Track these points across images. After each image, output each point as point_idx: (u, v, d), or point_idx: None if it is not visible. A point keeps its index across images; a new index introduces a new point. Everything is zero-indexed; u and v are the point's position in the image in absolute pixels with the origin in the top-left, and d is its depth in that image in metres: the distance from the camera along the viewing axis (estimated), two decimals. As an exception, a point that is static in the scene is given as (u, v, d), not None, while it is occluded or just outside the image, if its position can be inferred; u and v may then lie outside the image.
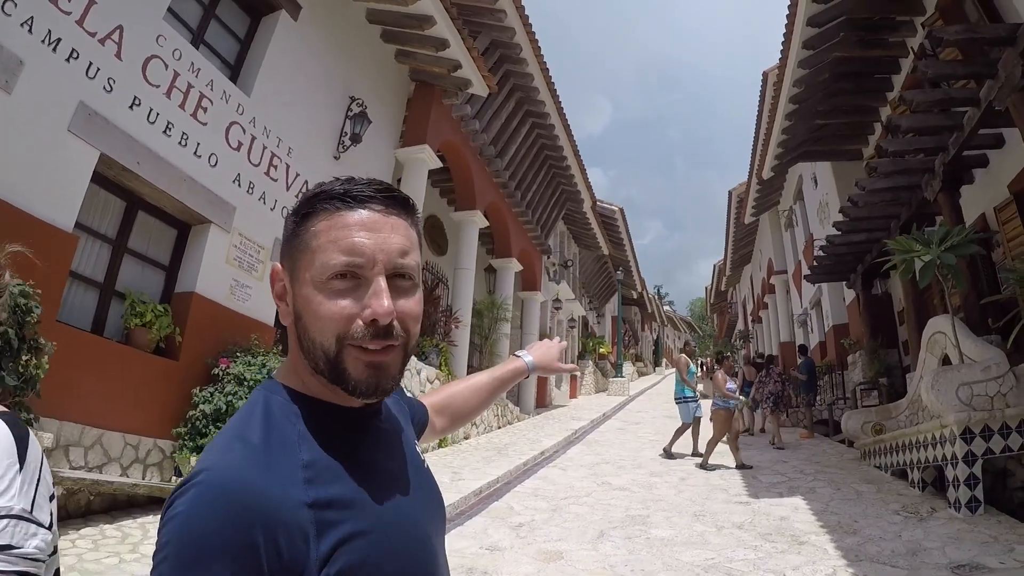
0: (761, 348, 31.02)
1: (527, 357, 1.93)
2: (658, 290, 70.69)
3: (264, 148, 9.54)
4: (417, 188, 12.84)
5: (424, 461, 1.25)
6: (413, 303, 1.06)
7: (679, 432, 12.35)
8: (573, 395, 27.25)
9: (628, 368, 39.45)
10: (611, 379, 29.90)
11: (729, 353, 16.13)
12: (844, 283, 16.20)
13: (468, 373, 14.84)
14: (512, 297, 18.06)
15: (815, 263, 15.35)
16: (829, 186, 17.59)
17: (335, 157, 11.16)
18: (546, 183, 19.84)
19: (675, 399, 12.86)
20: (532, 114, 16.72)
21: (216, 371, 7.95)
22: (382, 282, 1.01)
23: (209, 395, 7.72)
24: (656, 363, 58.58)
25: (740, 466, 10.70)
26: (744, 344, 37.48)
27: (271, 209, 9.65)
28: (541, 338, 21.22)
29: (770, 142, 16.23)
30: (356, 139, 11.19)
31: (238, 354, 8.21)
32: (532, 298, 20.59)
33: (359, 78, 11.75)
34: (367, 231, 1.02)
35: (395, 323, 1.02)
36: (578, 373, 26.21)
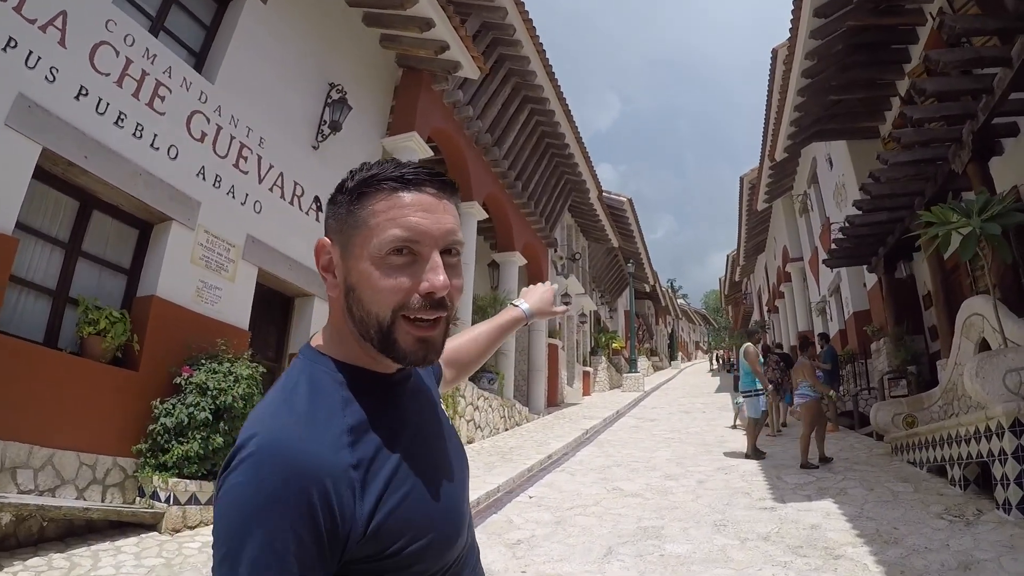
0: (777, 338, 30.17)
1: (523, 305, 1.99)
2: (671, 284, 69.79)
3: (232, 139, 8.90)
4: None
5: (447, 416, 1.36)
6: (459, 279, 1.15)
7: (754, 430, 11.13)
8: (586, 392, 26.53)
9: (643, 363, 38.72)
10: (625, 375, 29.05)
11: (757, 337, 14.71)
12: (865, 267, 15.42)
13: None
14: (517, 292, 17.17)
15: (834, 247, 14.57)
16: (845, 166, 16.76)
17: (314, 147, 10.52)
18: (549, 172, 19.06)
19: (742, 392, 11.86)
20: (530, 100, 15.95)
21: (178, 380, 7.29)
22: (438, 258, 1.09)
23: (171, 407, 7.06)
24: (672, 357, 57.79)
25: (821, 460, 9.97)
26: (761, 334, 36.61)
27: (241, 204, 8.99)
28: (551, 335, 20.77)
29: (782, 121, 15.44)
30: (335, 127, 10.52)
31: (203, 361, 7.54)
32: (539, 293, 19.58)
33: (339, 64, 11.10)
34: (424, 211, 1.10)
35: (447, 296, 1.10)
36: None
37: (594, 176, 20.47)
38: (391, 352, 1.10)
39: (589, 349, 29.78)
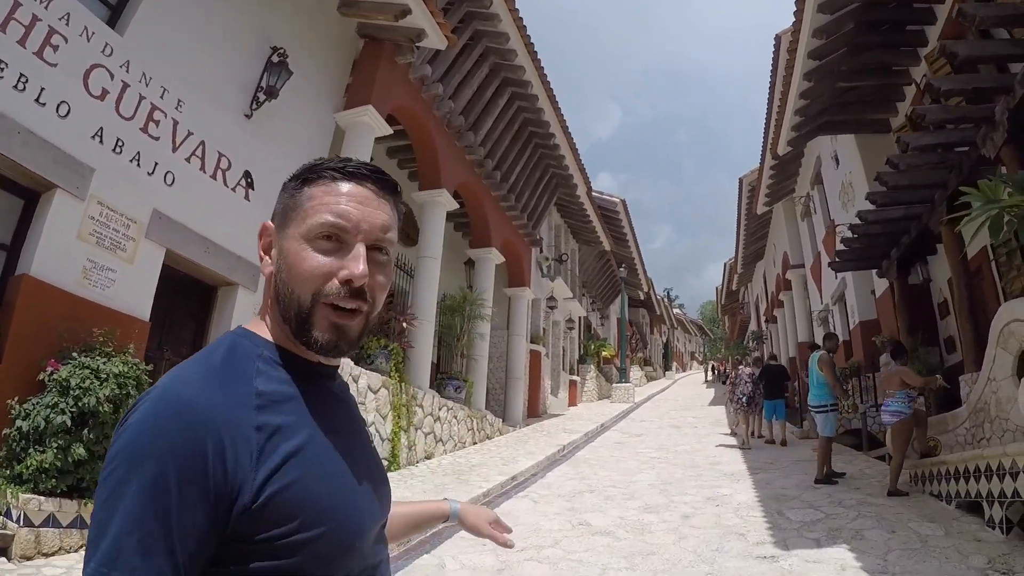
0: (776, 349, 28.83)
1: (455, 504, 1.77)
2: (668, 293, 68.63)
3: (141, 99, 7.52)
4: (362, 157, 10.72)
5: (372, 442, 1.33)
6: (384, 277, 1.15)
7: (824, 451, 9.56)
8: (572, 403, 25.15)
9: (636, 373, 37.63)
10: (614, 385, 27.60)
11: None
12: (874, 272, 14.03)
13: (431, 379, 12.71)
14: (492, 292, 15.84)
15: (842, 247, 13.18)
16: (854, 163, 15.41)
17: (246, 115, 9.11)
18: (532, 164, 17.59)
19: (812, 407, 10.33)
20: (511, 83, 14.49)
21: (42, 376, 5.95)
22: (362, 249, 1.10)
23: (31, 408, 5.74)
24: (666, 367, 56.51)
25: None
26: (758, 346, 35.33)
27: (149, 173, 7.60)
28: (533, 340, 19.25)
29: (786, 111, 14.14)
30: (271, 93, 9.14)
31: (75, 354, 6.15)
32: (520, 295, 18.32)
33: (286, 27, 9.73)
34: (357, 203, 1.12)
35: (366, 288, 1.10)
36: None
37: (582, 170, 18.99)
38: (304, 335, 1.10)
39: (577, 357, 28.33)
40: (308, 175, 1.15)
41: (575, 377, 26.59)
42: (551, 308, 22.40)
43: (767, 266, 31.53)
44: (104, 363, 6.15)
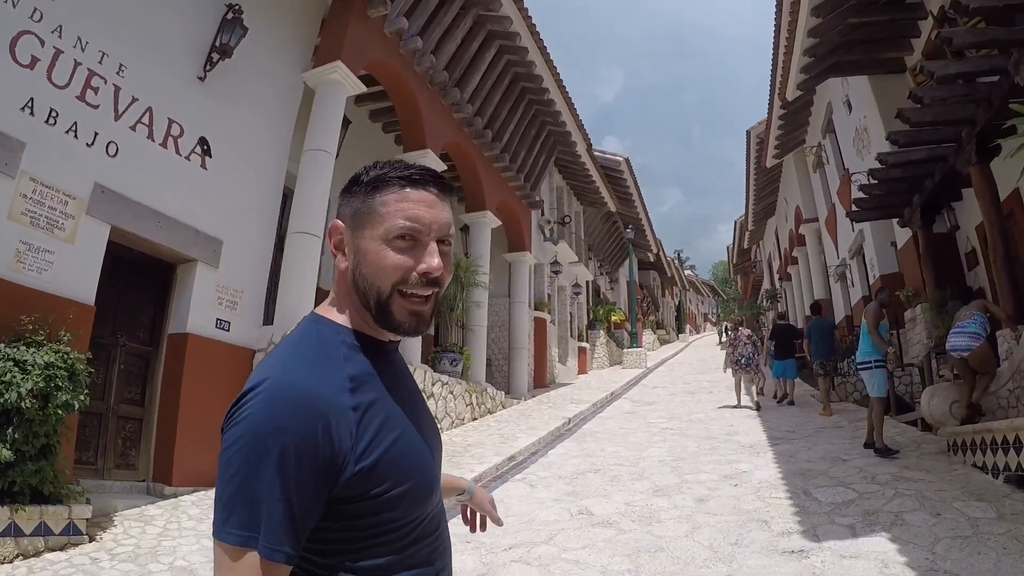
0: (791, 307, 27.96)
1: (472, 485, 1.99)
2: (678, 255, 67.58)
3: (77, 65, 6.85)
4: (331, 117, 10.00)
5: (427, 403, 1.53)
6: (448, 263, 1.34)
7: (877, 416, 8.39)
8: (582, 370, 24.40)
9: (648, 336, 36.85)
10: (626, 350, 26.81)
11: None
12: (895, 221, 13.12)
13: (423, 354, 11.93)
14: (488, 257, 15.02)
15: (861, 195, 12.29)
16: (868, 106, 14.44)
17: (199, 78, 8.34)
18: (527, 122, 16.62)
19: (858, 365, 9.36)
20: (498, 35, 13.50)
21: (-48, 372, 5.21)
22: (435, 245, 1.31)
23: None
24: (679, 330, 55.58)
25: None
26: (772, 304, 34.41)
27: (88, 145, 6.90)
28: (538, 307, 18.31)
29: (793, 51, 13.18)
30: (225, 52, 8.37)
31: (1, 345, 5.48)
32: (520, 260, 17.51)
33: (244, -19, 8.80)
34: (426, 207, 1.30)
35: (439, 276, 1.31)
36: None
37: (580, 127, 18.00)
38: (386, 322, 1.29)
39: (586, 323, 27.48)
40: (377, 183, 1.31)
41: (584, 344, 25.77)
42: (555, 273, 21.51)
43: (779, 222, 30.49)
44: (32, 353, 5.42)
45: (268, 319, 9.23)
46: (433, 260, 1.28)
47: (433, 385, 11.37)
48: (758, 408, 13.13)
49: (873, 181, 11.53)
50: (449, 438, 10.64)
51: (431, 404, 11.16)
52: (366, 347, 1.30)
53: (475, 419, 12.67)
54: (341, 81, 9.84)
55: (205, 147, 8.24)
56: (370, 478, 1.17)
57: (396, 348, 1.43)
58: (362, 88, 10.34)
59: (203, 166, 8.20)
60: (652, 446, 9.78)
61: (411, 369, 10.69)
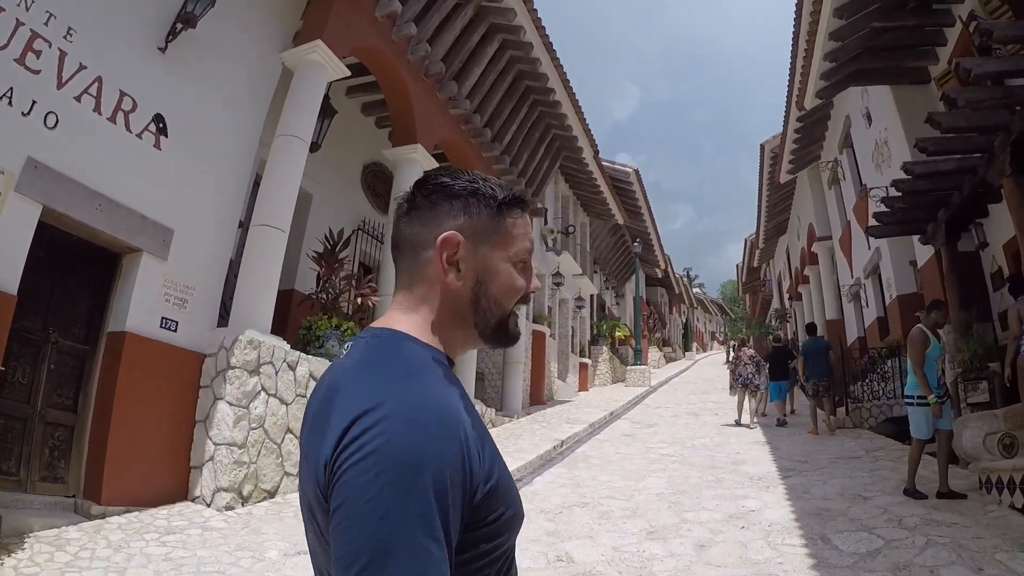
0: (798, 328, 27.10)
1: None
2: (687, 272, 66.92)
3: (18, 25, 6.09)
4: (308, 101, 9.21)
5: None
6: None
7: (912, 458, 7.39)
8: (583, 387, 23.54)
9: (654, 354, 36.10)
10: (629, 367, 25.88)
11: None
12: (916, 239, 12.27)
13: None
14: (484, 262, 14.15)
15: (882, 208, 11.48)
16: (890, 118, 13.62)
17: (160, 48, 7.54)
18: (530, 124, 15.74)
19: (904, 398, 8.00)
20: (501, 29, 12.70)
21: None
22: (534, 268, 1.34)
23: None
24: (686, 348, 54.85)
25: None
26: (781, 324, 33.54)
27: (24, 114, 6.14)
28: (536, 320, 17.36)
29: (813, 56, 12.51)
30: (189, 21, 7.56)
31: None
32: (519, 269, 16.35)
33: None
34: (531, 232, 1.33)
35: None
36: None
37: (587, 132, 17.14)
38: (503, 336, 1.29)
39: (589, 338, 26.61)
40: (504, 203, 1.27)
41: (586, 360, 24.88)
42: (557, 285, 20.64)
43: (790, 240, 29.68)
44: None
45: (223, 320, 8.38)
46: (537, 283, 1.34)
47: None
48: (751, 426, 13.61)
49: (896, 193, 10.70)
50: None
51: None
52: (448, 367, 1.22)
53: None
54: (322, 63, 9.07)
55: (160, 125, 7.43)
56: (488, 504, 1.07)
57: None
58: (345, 72, 9.56)
59: (156, 146, 7.39)
60: (650, 475, 8.91)
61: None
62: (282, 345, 8.09)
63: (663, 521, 6.72)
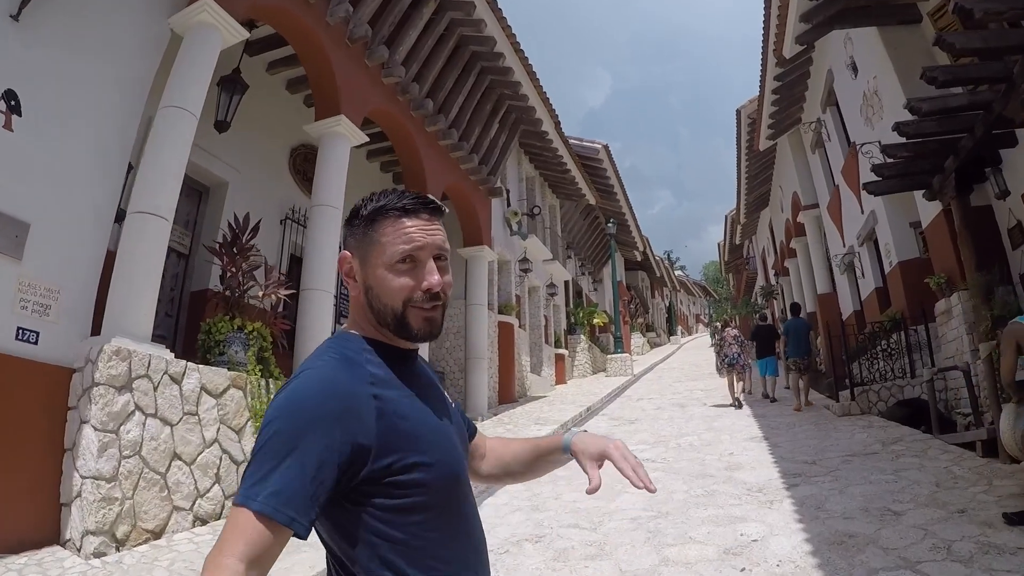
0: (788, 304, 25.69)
1: (568, 436, 1.81)
2: (668, 255, 65.45)
3: None
4: (198, 68, 7.53)
5: (451, 405, 1.68)
6: (448, 275, 1.53)
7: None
8: (560, 380, 22.02)
9: (637, 340, 34.76)
10: (609, 356, 24.30)
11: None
12: (921, 195, 10.80)
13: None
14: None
15: (871, 169, 10.06)
16: (879, 65, 12.18)
17: (12, 16, 5.99)
18: (481, 95, 14.07)
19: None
20: (436, -17, 11.10)
21: None
22: (432, 263, 1.48)
23: None
24: (671, 332, 53.35)
25: None
26: (767, 302, 32.16)
27: None
28: (503, 311, 15.18)
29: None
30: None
31: None
32: (478, 256, 14.79)
33: None
34: (420, 231, 1.48)
35: (441, 290, 1.50)
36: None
37: (546, 101, 15.44)
38: (405, 332, 1.48)
39: (564, 327, 25.01)
40: (375, 215, 1.48)
41: (562, 351, 23.23)
42: (525, 271, 19.03)
43: (773, 213, 28.19)
44: None
45: (97, 328, 6.73)
46: (433, 277, 1.47)
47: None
48: (739, 406, 13.63)
49: (899, 140, 9.22)
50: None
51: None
52: (386, 354, 1.47)
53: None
54: (214, 24, 7.43)
55: (12, 103, 5.88)
56: (386, 451, 1.30)
57: (416, 356, 1.59)
58: (244, 34, 7.90)
59: (7, 126, 5.82)
60: (626, 490, 7.27)
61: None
62: (161, 354, 6.49)
63: (637, 563, 5.09)
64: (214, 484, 6.81)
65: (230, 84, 9.56)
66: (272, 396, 7.85)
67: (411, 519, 1.32)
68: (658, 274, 48.49)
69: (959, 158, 9.20)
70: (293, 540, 1.25)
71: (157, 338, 9.12)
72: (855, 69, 13.71)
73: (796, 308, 15.72)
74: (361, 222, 1.50)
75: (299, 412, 1.26)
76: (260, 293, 8.36)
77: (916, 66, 9.38)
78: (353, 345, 1.46)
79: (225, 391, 7.09)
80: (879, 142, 11.32)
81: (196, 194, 10.40)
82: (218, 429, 6.96)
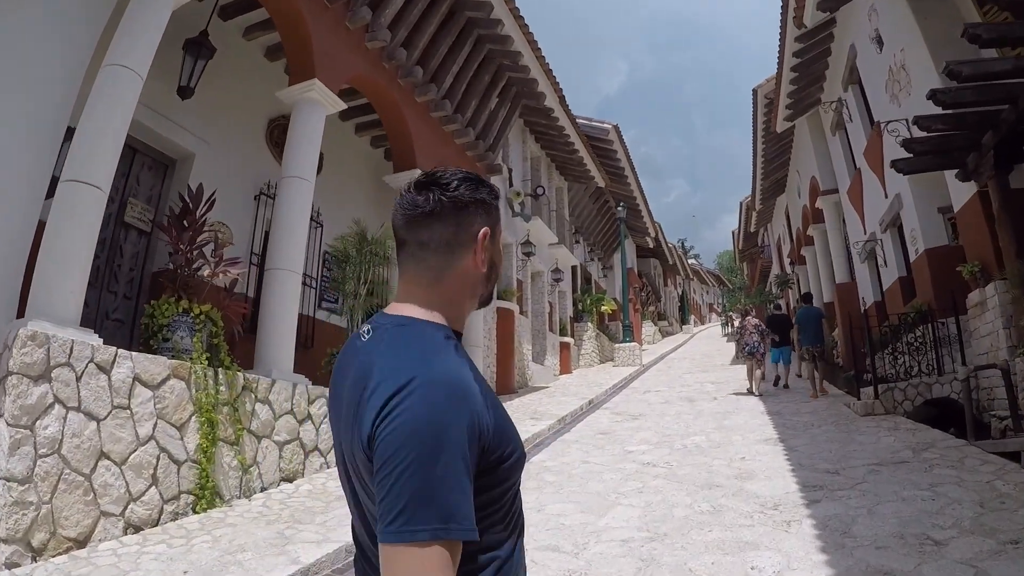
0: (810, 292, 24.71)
1: None
2: (682, 243, 64.47)
3: None
4: (146, 22, 6.76)
5: None
6: None
7: None
8: (565, 370, 21.14)
9: (649, 328, 33.97)
10: (617, 345, 23.41)
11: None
12: (954, 175, 9.91)
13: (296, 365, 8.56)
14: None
15: (898, 148, 9.15)
16: (908, 35, 11.20)
17: None
18: (478, 65, 13.09)
19: None
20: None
21: None
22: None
23: None
24: (683, 321, 52.40)
25: None
26: (782, 291, 31.19)
27: None
28: (502, 296, 13.18)
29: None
30: None
31: None
32: (474, 238, 13.74)
33: None
34: None
35: None
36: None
37: (548, 73, 14.45)
38: (488, 301, 1.57)
39: (571, 315, 24.09)
40: (495, 200, 1.51)
41: (567, 339, 22.28)
42: (528, 255, 18.12)
43: (790, 199, 27.15)
44: None
45: (23, 309, 5.88)
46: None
47: (314, 403, 8.14)
48: (757, 394, 13.84)
49: (935, 111, 8.32)
50: (321, 483, 7.36)
51: (307, 431, 8.01)
52: (457, 340, 1.42)
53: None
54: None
55: None
56: (500, 444, 1.28)
57: None
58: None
59: None
60: (620, 502, 6.39)
61: (273, 382, 7.59)
62: (87, 339, 5.66)
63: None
64: (150, 487, 5.96)
65: (195, 47, 8.78)
66: (219, 387, 6.71)
67: (503, 501, 1.33)
68: (671, 262, 47.55)
69: (999, 132, 8.30)
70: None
71: (114, 322, 8.40)
72: (880, 42, 12.74)
73: (808, 297, 16.21)
74: (494, 199, 1.52)
75: (442, 427, 1.17)
76: (208, 272, 7.50)
77: (948, 37, 8.62)
78: (438, 333, 1.38)
79: (164, 382, 6.24)
80: (906, 120, 10.43)
81: (161, 168, 9.55)
82: (155, 424, 6.11)
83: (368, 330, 1.43)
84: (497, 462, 1.27)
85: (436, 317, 1.40)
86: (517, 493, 1.39)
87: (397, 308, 1.44)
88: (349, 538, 5.32)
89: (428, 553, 1.10)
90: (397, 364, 1.26)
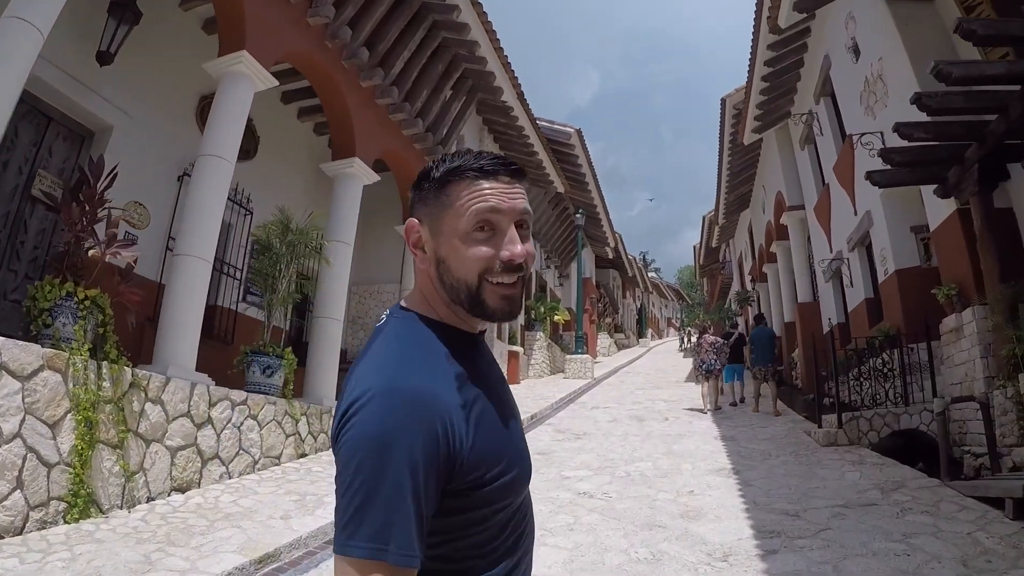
0: (766, 313, 24.08)
1: None
2: (643, 256, 64.40)
3: None
4: None
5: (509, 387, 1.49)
6: (531, 245, 1.32)
7: None
8: (513, 380, 20.15)
9: (605, 340, 33.46)
10: (569, 357, 22.72)
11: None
12: (932, 191, 9.26)
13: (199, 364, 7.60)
14: (354, 223, 10.70)
15: (870, 160, 8.50)
16: (887, 45, 10.62)
17: None
18: (431, 53, 12.17)
19: None
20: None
21: None
22: (514, 231, 1.29)
23: None
24: (640, 334, 52.04)
25: None
26: (741, 308, 30.72)
27: None
28: None
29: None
30: None
31: None
32: (417, 234, 12.84)
33: None
34: (500, 194, 1.28)
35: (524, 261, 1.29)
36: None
37: (506, 65, 13.54)
38: (481, 311, 1.29)
39: (522, 322, 23.28)
40: (448, 177, 1.29)
41: (516, 348, 21.40)
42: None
43: (754, 215, 26.61)
44: None
45: None
46: (515, 247, 1.27)
47: (215, 406, 7.19)
48: (710, 409, 13.92)
49: (919, 118, 7.65)
50: (230, 494, 6.41)
51: (205, 436, 7.04)
52: (460, 341, 1.31)
53: (302, 457, 8.45)
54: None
55: None
56: (482, 464, 1.18)
57: (482, 336, 1.43)
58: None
59: None
60: (545, 541, 5.49)
61: (168, 380, 6.70)
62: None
63: None
64: (14, 490, 4.95)
65: (119, 10, 8.15)
66: (102, 382, 6.19)
67: (486, 524, 1.23)
68: (630, 273, 47.16)
69: (986, 145, 7.64)
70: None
71: (13, 303, 7.48)
72: (856, 52, 12.15)
73: (760, 318, 16.42)
74: (432, 185, 1.32)
75: (391, 440, 1.08)
76: (97, 252, 6.55)
77: (930, 45, 8.18)
78: (429, 333, 1.29)
79: (36, 373, 5.25)
80: (881, 133, 9.88)
81: (77, 139, 8.74)
82: (22, 421, 5.11)
83: (386, 315, 1.37)
84: (474, 485, 1.17)
85: (428, 311, 1.34)
86: (516, 512, 1.30)
87: (408, 297, 1.40)
88: (217, 570, 4.47)
89: (366, 569, 1.03)
90: (364, 370, 1.21)
